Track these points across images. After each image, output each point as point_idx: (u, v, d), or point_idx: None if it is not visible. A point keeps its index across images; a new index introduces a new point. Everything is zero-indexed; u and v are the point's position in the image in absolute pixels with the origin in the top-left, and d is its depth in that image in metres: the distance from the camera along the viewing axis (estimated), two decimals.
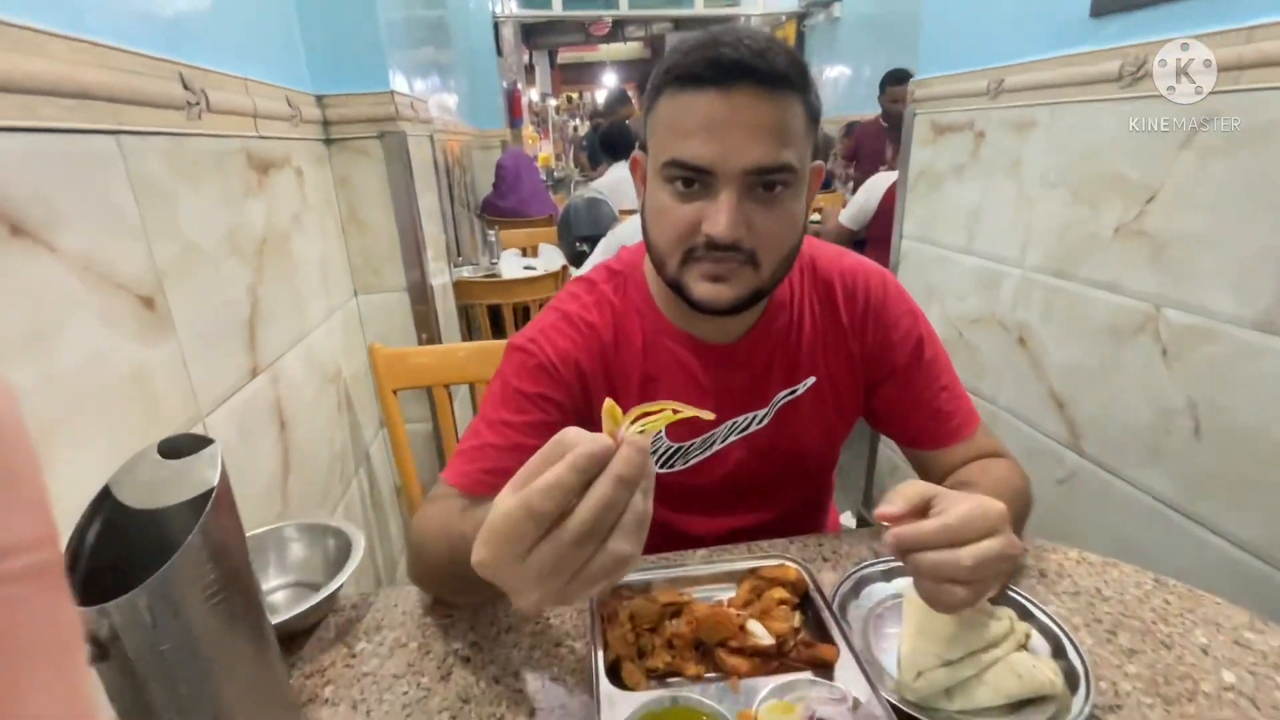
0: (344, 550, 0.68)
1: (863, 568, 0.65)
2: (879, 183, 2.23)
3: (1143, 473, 1.03)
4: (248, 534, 0.69)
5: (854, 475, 1.91)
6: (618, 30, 8.18)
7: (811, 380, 0.74)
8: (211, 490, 0.42)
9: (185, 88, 0.72)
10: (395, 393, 1.15)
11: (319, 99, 1.15)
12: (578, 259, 2.63)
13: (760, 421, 0.74)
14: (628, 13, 6.05)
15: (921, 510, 0.51)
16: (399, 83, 1.30)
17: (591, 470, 0.34)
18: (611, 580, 0.36)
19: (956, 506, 0.49)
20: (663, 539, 0.79)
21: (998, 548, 0.48)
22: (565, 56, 10.58)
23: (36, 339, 0.50)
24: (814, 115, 0.62)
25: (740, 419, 0.74)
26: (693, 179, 0.60)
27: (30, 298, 0.50)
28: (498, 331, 2.17)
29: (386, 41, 1.19)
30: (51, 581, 0.14)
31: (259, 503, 0.82)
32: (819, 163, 0.66)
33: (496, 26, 4.43)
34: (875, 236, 2.34)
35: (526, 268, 2.45)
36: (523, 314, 2.14)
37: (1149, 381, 1.00)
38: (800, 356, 0.74)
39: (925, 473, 0.76)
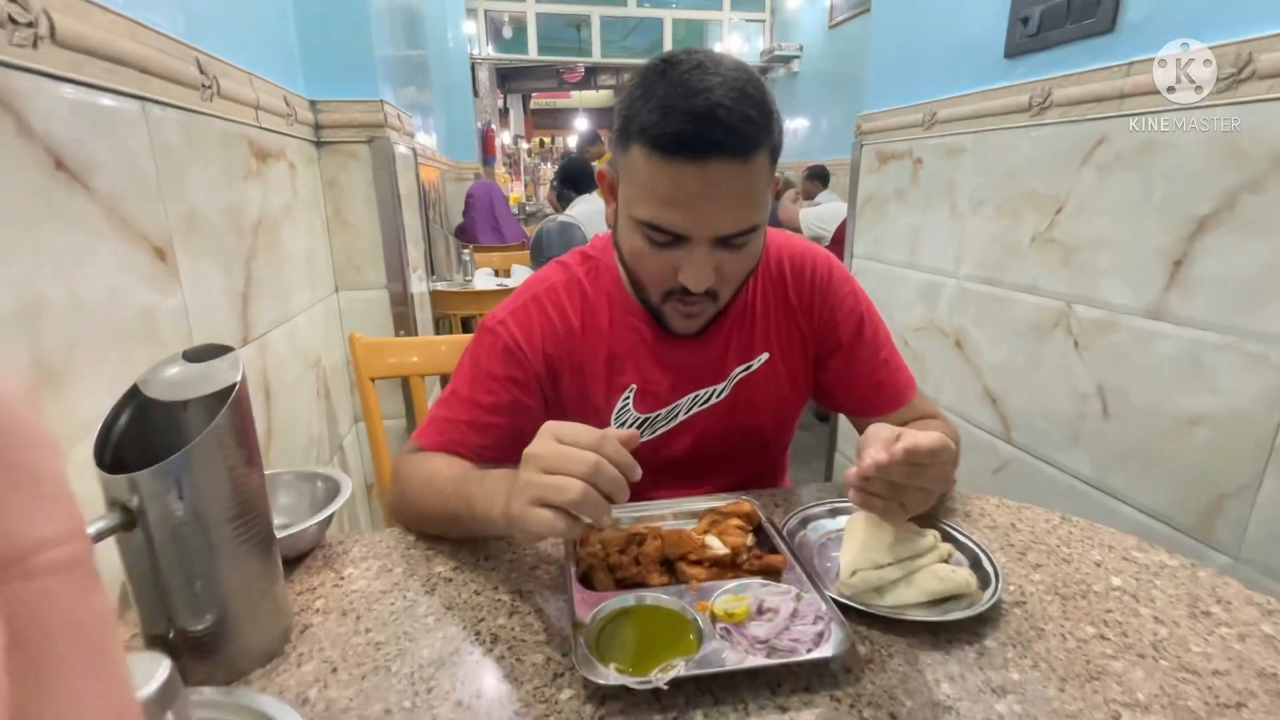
0: (331, 495, 0.72)
1: (810, 506, 0.73)
2: (831, 214, 2.40)
3: (1064, 455, 1.14)
4: None
5: (815, 459, 1.98)
6: (590, 77, 8.52)
7: (765, 356, 0.81)
8: (233, 386, 0.48)
9: (200, 71, 0.78)
10: (373, 381, 1.20)
11: (312, 104, 1.23)
12: None
13: (719, 395, 0.81)
14: (600, 60, 6.35)
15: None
16: (388, 94, 1.39)
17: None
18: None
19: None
20: None
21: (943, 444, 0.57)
22: (539, 102, 10.93)
23: (70, 262, 0.55)
24: (777, 152, 0.64)
25: (701, 392, 0.81)
26: (668, 238, 0.64)
27: (66, 224, 0.55)
28: None
29: (378, 54, 1.28)
30: (82, 575, 0.13)
31: None
32: (775, 176, 0.68)
33: (473, 67, 4.61)
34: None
35: (499, 285, 2.52)
36: None
37: (1065, 371, 1.12)
38: (754, 334, 0.81)
39: None
